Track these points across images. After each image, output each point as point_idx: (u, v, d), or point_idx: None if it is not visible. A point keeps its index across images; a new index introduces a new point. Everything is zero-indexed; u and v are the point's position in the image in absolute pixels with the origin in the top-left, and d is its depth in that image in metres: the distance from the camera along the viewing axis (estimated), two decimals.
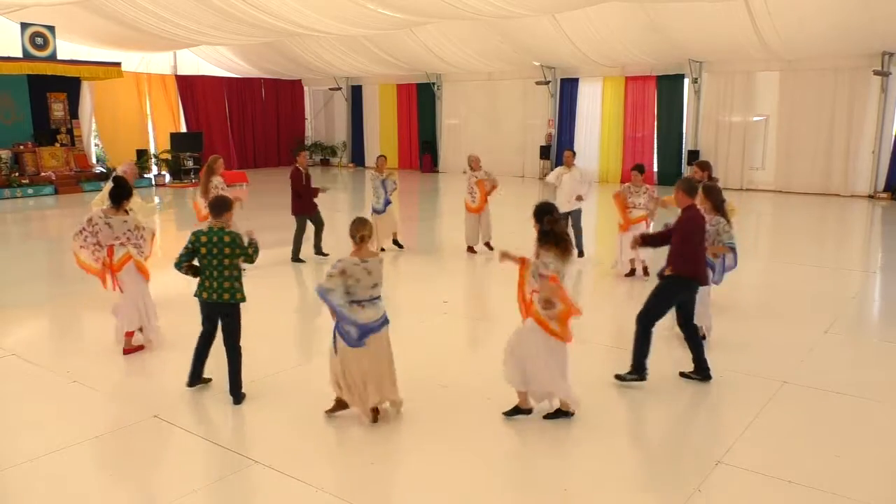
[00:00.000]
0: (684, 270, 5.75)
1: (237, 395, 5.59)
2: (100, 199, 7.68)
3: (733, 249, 6.75)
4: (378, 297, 5.08)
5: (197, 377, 5.77)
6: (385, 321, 5.13)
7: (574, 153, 10.77)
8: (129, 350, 6.68)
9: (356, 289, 4.91)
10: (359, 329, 4.94)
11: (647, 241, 6.42)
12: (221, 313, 5.57)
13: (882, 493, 4.31)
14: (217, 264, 5.42)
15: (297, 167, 10.46)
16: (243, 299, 5.55)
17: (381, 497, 4.37)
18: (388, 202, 11.04)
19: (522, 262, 5.23)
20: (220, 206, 5.53)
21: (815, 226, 14.94)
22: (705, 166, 8.14)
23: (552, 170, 22.56)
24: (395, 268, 10.70)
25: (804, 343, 6.96)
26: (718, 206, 6.64)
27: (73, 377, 6.06)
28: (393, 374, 5.25)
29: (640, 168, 9.56)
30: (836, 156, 18.08)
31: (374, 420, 5.13)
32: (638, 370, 5.79)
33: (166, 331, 7.03)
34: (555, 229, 5.00)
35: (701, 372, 5.93)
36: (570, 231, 10.48)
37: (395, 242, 11.40)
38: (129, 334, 6.70)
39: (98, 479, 4.55)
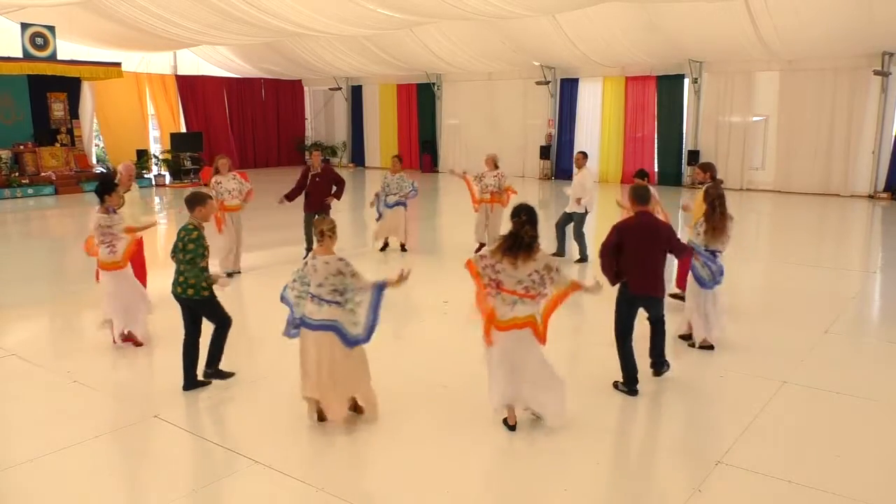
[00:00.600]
0: (625, 283, 5.57)
1: (208, 365, 5.76)
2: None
3: (704, 253, 6.56)
4: (327, 301, 4.94)
5: (191, 381, 5.77)
6: (329, 328, 4.95)
7: (585, 155, 10.62)
8: (127, 340, 6.77)
9: (307, 281, 5.06)
10: (296, 320, 5.09)
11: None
12: (192, 308, 5.69)
13: (882, 493, 4.31)
14: (176, 258, 5.61)
15: (308, 166, 10.42)
16: (197, 295, 5.59)
17: (382, 497, 4.37)
18: (396, 203, 10.94)
19: None
20: (189, 202, 5.66)
21: (814, 226, 14.95)
22: (707, 168, 8.05)
23: (552, 170, 22.74)
24: (395, 268, 10.68)
25: (804, 343, 6.96)
26: (712, 210, 6.50)
27: (73, 377, 6.06)
28: (343, 389, 5.09)
29: (640, 174, 9.35)
30: (836, 156, 18.08)
31: (319, 419, 5.15)
32: (626, 383, 5.71)
33: (168, 329, 7.03)
34: (518, 232, 4.77)
35: (653, 366, 5.83)
36: (572, 233, 10.49)
37: (401, 245, 11.31)
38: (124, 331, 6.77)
39: (98, 479, 4.54)
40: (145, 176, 21.10)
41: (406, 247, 11.28)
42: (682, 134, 20.53)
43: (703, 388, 5.97)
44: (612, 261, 5.56)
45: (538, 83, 22.33)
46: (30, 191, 18.45)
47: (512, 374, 4.94)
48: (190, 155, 21.86)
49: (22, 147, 19.32)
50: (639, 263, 5.53)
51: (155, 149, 23.39)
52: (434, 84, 24.85)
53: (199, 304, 5.66)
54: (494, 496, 4.38)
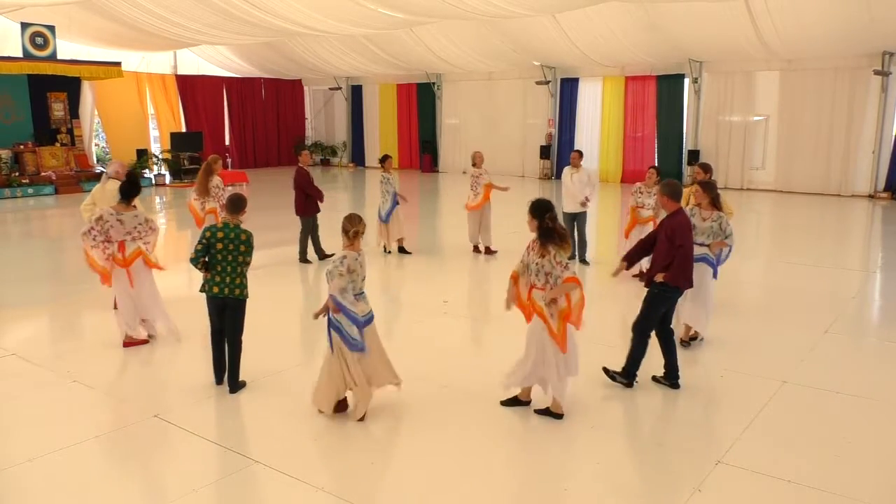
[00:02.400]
0: (675, 279, 5.61)
1: (234, 385, 5.74)
2: (91, 201, 7.55)
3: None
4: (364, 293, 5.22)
5: (222, 374, 5.85)
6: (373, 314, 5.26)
7: (581, 154, 10.60)
8: (130, 343, 6.76)
9: (357, 283, 5.07)
10: (360, 328, 5.05)
11: (632, 258, 6.10)
12: (228, 308, 5.66)
13: (882, 493, 4.31)
14: (231, 260, 5.56)
15: (302, 167, 10.31)
16: (242, 295, 5.68)
17: (382, 497, 4.37)
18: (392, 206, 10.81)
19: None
20: (238, 204, 5.70)
21: (815, 225, 14.94)
22: (707, 168, 8.22)
23: (552, 170, 22.71)
24: (396, 268, 10.70)
25: (804, 343, 6.96)
26: (716, 201, 6.72)
27: (73, 377, 6.06)
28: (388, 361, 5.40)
29: (657, 168, 9.48)
30: (836, 156, 18.08)
31: (362, 418, 5.19)
32: (627, 375, 5.76)
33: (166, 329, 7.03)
34: (556, 227, 5.03)
35: (670, 378, 5.83)
36: (575, 234, 10.42)
37: (401, 249, 11.19)
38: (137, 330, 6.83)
39: (98, 479, 4.54)
40: (145, 175, 21.11)
41: (406, 246, 11.25)
42: (683, 134, 20.53)
43: (703, 387, 5.96)
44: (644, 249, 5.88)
45: (538, 83, 22.33)
46: (30, 191, 18.45)
47: (539, 355, 5.16)
48: (189, 155, 21.82)
49: (22, 147, 19.32)
50: (691, 258, 5.69)
51: (155, 148, 23.38)
52: (434, 84, 24.84)
53: (238, 304, 5.66)
54: (495, 495, 4.37)
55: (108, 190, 7.34)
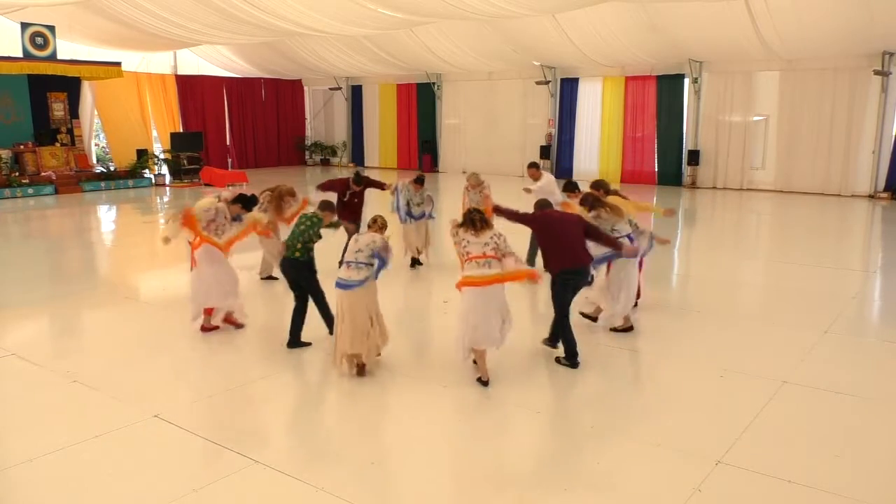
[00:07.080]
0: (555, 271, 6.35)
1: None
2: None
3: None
4: (365, 264, 5.89)
5: (296, 341, 6.60)
6: (363, 282, 5.87)
7: (536, 165, 10.04)
8: (208, 328, 7.03)
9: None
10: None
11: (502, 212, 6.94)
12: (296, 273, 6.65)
13: (882, 493, 4.31)
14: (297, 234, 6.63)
15: (347, 179, 10.14)
16: (303, 256, 6.55)
17: (382, 497, 4.37)
18: (423, 215, 10.35)
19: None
20: (327, 206, 6.85)
21: (815, 226, 14.94)
22: (599, 185, 7.89)
23: (552, 170, 22.69)
24: (396, 267, 10.65)
25: (804, 343, 6.95)
26: (595, 205, 6.98)
27: (73, 377, 6.06)
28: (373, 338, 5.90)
29: (570, 186, 8.57)
30: (836, 156, 18.08)
31: (359, 373, 5.90)
32: (571, 358, 6.23)
33: (168, 330, 7.03)
34: (467, 216, 5.99)
35: (553, 340, 6.43)
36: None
37: (416, 259, 10.36)
38: (209, 311, 7.07)
39: (98, 479, 4.54)
40: (145, 175, 21.11)
41: (422, 260, 10.37)
42: (683, 134, 20.53)
43: (704, 387, 5.96)
44: (512, 216, 6.78)
45: (538, 83, 22.33)
46: (30, 191, 18.44)
47: (487, 318, 5.71)
48: (188, 155, 21.78)
49: (22, 147, 19.30)
50: (558, 243, 6.32)
51: (155, 148, 23.37)
52: (434, 84, 24.85)
53: (304, 265, 6.48)
54: (495, 496, 4.37)
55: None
